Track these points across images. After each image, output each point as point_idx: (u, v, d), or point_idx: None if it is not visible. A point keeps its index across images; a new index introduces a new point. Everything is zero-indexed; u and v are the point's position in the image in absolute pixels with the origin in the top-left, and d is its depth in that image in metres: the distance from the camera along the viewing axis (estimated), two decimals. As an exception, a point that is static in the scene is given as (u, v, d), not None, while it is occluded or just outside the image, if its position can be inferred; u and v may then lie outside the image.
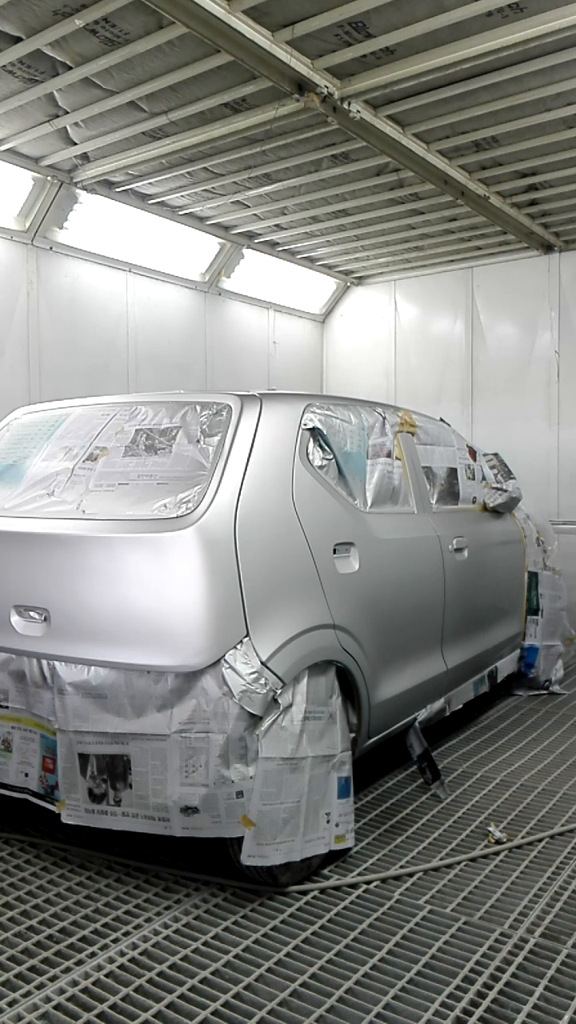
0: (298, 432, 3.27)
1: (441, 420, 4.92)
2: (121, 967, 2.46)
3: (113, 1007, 2.28)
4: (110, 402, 3.53)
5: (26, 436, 3.61)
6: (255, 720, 2.69)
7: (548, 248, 7.37)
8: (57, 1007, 2.28)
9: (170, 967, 2.46)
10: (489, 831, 3.34)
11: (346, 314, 8.78)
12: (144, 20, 3.91)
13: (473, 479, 4.78)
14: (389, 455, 3.85)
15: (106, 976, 2.42)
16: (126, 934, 2.63)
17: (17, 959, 2.50)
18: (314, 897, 2.87)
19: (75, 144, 5.28)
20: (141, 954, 2.53)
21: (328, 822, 2.93)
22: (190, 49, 4.14)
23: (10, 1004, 2.28)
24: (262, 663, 2.73)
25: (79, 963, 2.48)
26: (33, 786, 2.98)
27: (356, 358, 8.68)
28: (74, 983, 2.38)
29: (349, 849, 3.14)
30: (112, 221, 6.29)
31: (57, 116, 4.89)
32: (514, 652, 5.19)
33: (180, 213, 6.61)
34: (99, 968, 2.45)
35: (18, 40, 4.07)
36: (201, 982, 2.39)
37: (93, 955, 2.52)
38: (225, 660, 2.69)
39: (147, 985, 2.37)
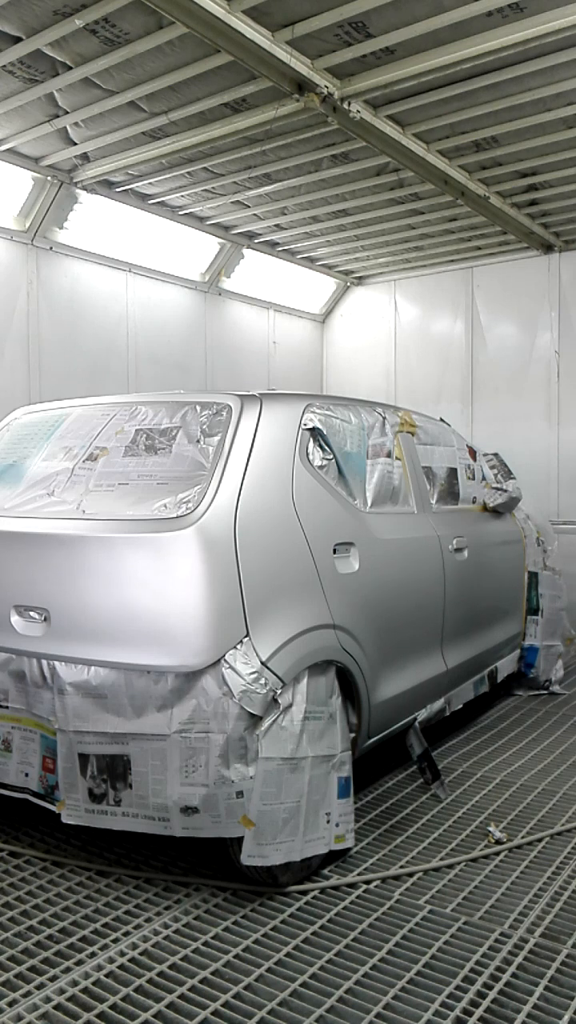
0: (298, 432, 3.27)
1: (441, 420, 4.92)
2: (121, 967, 2.46)
3: (113, 1007, 2.28)
4: (110, 402, 3.53)
5: (26, 436, 3.61)
6: (255, 720, 2.69)
7: (548, 248, 7.37)
8: (57, 1007, 2.28)
9: (170, 967, 2.46)
10: (489, 831, 3.34)
11: (346, 314, 8.77)
12: (144, 20, 3.91)
13: (473, 479, 4.78)
14: (389, 455, 3.85)
15: (106, 976, 2.42)
16: (126, 934, 2.64)
17: (17, 959, 2.50)
18: (314, 897, 2.87)
19: (75, 144, 5.28)
20: (141, 954, 2.53)
21: (328, 822, 2.93)
22: (190, 49, 4.14)
23: (10, 1004, 2.28)
24: (262, 663, 2.73)
25: (79, 963, 2.48)
26: (33, 786, 2.98)
27: (356, 358, 8.68)
28: (74, 983, 2.38)
29: (349, 849, 3.14)
30: (112, 221, 6.29)
31: (57, 116, 4.88)
32: (514, 652, 5.19)
33: (180, 213, 6.61)
34: (99, 968, 2.45)
35: (18, 40, 4.07)
36: (201, 982, 2.39)
37: (93, 955, 2.52)
38: (225, 660, 2.69)
39: (147, 985, 2.37)
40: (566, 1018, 2.24)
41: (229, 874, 2.96)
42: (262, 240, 7.36)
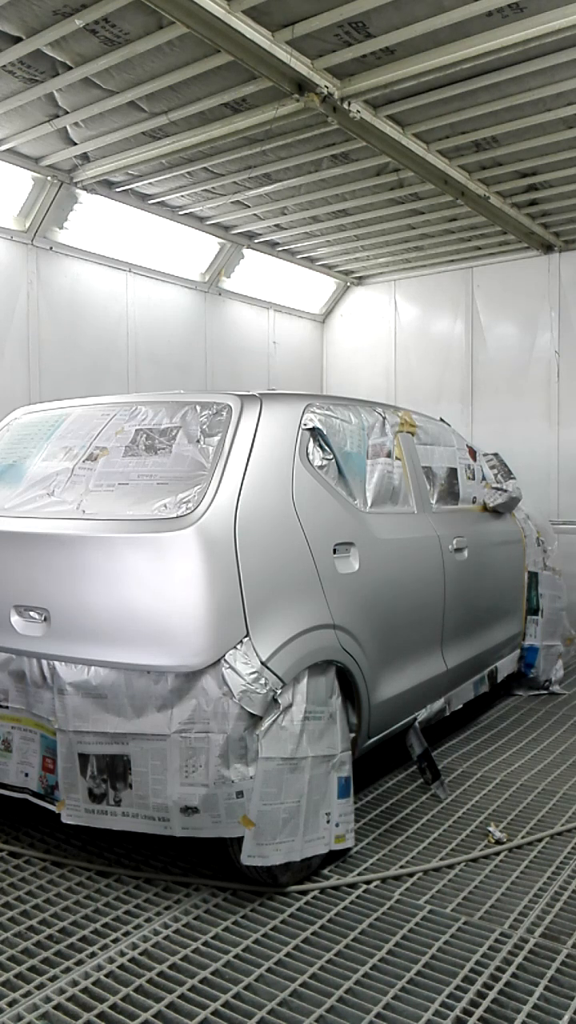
0: (298, 432, 3.27)
1: (441, 420, 4.92)
2: (121, 967, 2.46)
3: (113, 1007, 2.28)
4: (110, 402, 3.53)
5: (26, 436, 3.61)
6: (255, 720, 2.69)
7: (548, 248, 7.37)
8: (57, 1007, 2.28)
9: (170, 967, 2.46)
10: (489, 831, 3.34)
11: (346, 314, 8.77)
12: (144, 20, 3.91)
13: (473, 479, 4.78)
14: (389, 455, 3.84)
15: (106, 976, 2.42)
16: (126, 934, 2.64)
17: (17, 959, 2.50)
18: (314, 897, 2.87)
19: (75, 144, 5.27)
20: (141, 954, 2.53)
21: (328, 822, 2.93)
22: (190, 49, 4.14)
23: (10, 1004, 2.28)
24: (262, 663, 2.73)
25: (79, 963, 2.48)
26: (33, 786, 2.98)
27: (356, 358, 8.68)
28: (74, 983, 2.38)
29: (349, 849, 3.14)
30: (112, 221, 6.29)
31: (57, 116, 4.88)
32: (514, 652, 5.19)
33: (180, 213, 6.61)
34: (99, 968, 2.45)
35: (18, 40, 4.06)
36: (201, 982, 2.39)
37: (93, 955, 2.52)
38: (225, 660, 2.69)
39: (147, 985, 2.37)
40: (566, 1018, 2.24)
41: (229, 874, 2.96)
42: (262, 240, 7.36)
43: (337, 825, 2.98)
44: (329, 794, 2.94)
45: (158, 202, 6.36)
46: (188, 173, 5.76)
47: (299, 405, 3.38)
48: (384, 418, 3.94)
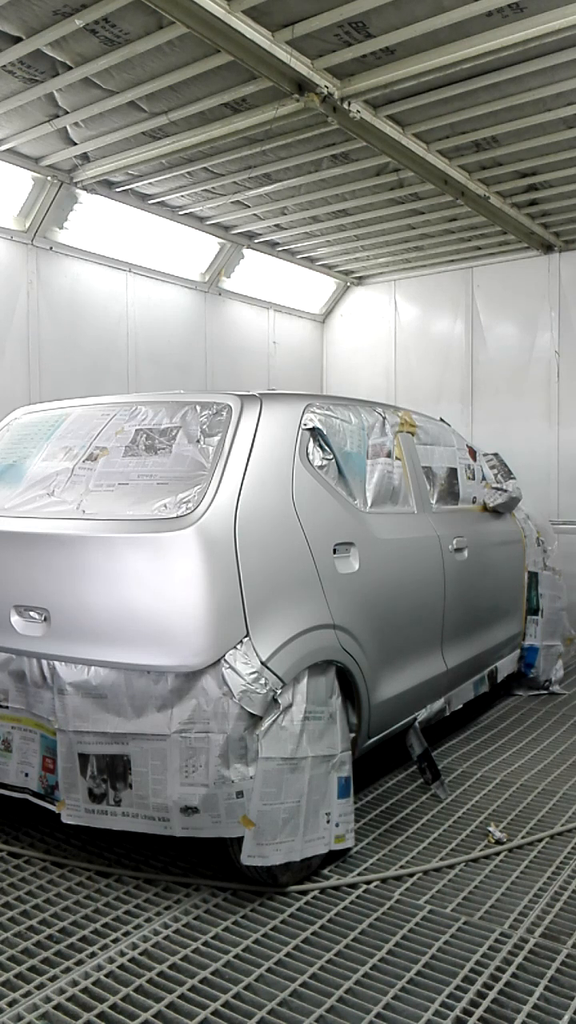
0: (298, 432, 3.27)
1: (441, 420, 4.92)
2: (121, 967, 2.46)
3: (113, 1007, 2.28)
4: (110, 402, 3.53)
5: (26, 436, 3.61)
6: (255, 720, 2.69)
7: (548, 248, 7.37)
8: (57, 1007, 2.28)
9: (170, 967, 2.46)
10: (489, 831, 3.34)
11: (346, 314, 8.77)
12: (144, 20, 3.91)
13: (473, 479, 4.78)
14: (389, 455, 3.85)
15: (106, 976, 2.42)
16: (126, 934, 2.64)
17: (17, 959, 2.50)
18: (314, 897, 2.87)
19: (75, 144, 5.28)
20: (141, 954, 2.53)
21: (328, 822, 2.93)
22: (190, 49, 4.14)
23: (10, 1004, 2.28)
24: (262, 663, 2.73)
25: (79, 963, 2.48)
26: (33, 786, 2.98)
27: (356, 358, 8.68)
28: (74, 983, 2.38)
29: (349, 849, 3.14)
30: (112, 221, 6.29)
31: (57, 116, 4.88)
32: (514, 652, 5.19)
33: (180, 213, 6.61)
34: (99, 968, 2.45)
35: (18, 40, 4.07)
36: (201, 982, 2.39)
37: (93, 955, 2.52)
38: (225, 660, 2.69)
39: (147, 985, 2.37)
40: (566, 1018, 2.24)
41: (229, 874, 2.96)
42: (262, 240, 7.36)
43: (337, 825, 2.98)
44: (329, 794, 2.94)
45: (158, 202, 6.36)
46: (188, 173, 5.76)
47: (299, 405, 3.38)
48: (384, 418, 3.94)
